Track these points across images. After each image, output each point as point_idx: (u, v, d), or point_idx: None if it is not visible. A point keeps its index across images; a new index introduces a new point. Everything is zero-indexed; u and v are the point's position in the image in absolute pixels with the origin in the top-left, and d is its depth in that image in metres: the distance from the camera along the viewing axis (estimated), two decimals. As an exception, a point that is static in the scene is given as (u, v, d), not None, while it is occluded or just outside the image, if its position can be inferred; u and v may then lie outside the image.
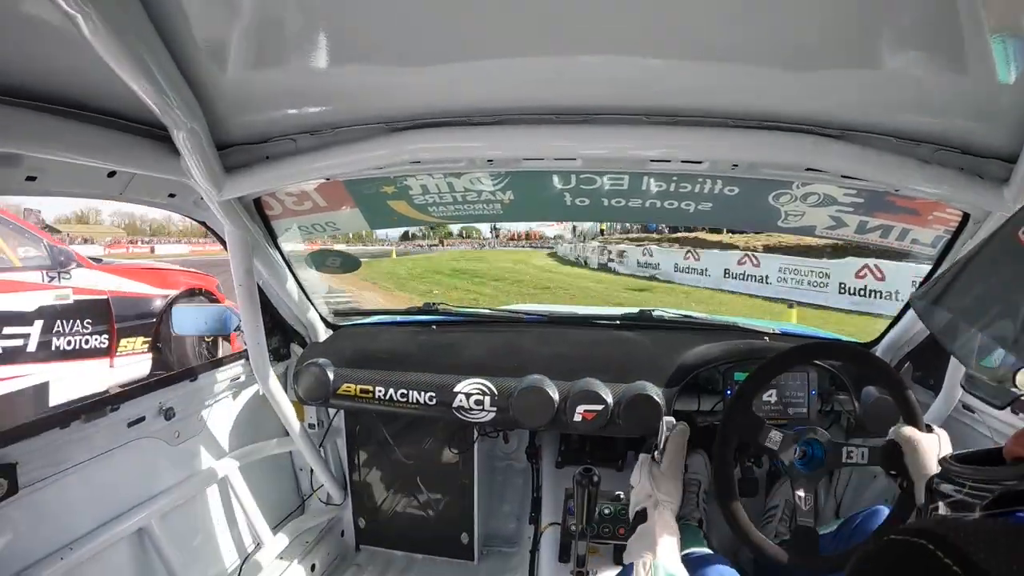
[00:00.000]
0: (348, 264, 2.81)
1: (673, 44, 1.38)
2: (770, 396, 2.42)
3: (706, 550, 1.90)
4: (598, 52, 1.43)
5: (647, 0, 1.21)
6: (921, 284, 2.35)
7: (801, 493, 1.80)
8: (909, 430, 1.70)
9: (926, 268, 2.35)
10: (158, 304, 6.94)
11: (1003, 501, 0.72)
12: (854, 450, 1.79)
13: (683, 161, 1.91)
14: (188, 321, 2.70)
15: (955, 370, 2.20)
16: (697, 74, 1.53)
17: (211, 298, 7.53)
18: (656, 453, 1.78)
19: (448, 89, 1.67)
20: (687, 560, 1.69)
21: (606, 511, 2.48)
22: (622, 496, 2.39)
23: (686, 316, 3.06)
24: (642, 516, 1.61)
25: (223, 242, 2.25)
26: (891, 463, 1.75)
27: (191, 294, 7.39)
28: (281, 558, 2.89)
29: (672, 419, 1.80)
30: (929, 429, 1.72)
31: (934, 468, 1.58)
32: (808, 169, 1.84)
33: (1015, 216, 0.75)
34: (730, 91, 1.62)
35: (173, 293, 7.16)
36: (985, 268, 0.82)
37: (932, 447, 1.65)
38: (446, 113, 1.79)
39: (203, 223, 2.31)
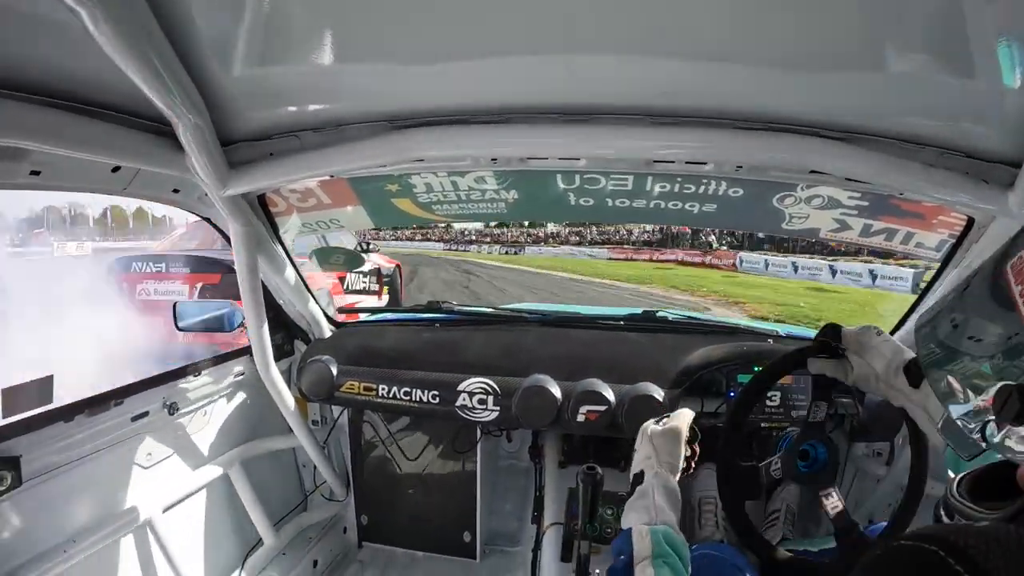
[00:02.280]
0: (352, 261, 2.81)
1: (679, 45, 1.39)
2: (773, 398, 2.42)
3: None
4: (604, 52, 1.44)
5: (654, 0, 1.21)
6: (924, 293, 2.34)
7: (824, 491, 1.78)
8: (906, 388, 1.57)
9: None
10: (388, 268, 12.46)
11: None
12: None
13: (687, 162, 1.91)
14: (192, 316, 2.71)
15: None
16: (702, 75, 1.54)
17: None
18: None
19: (452, 87, 1.68)
20: (695, 553, 1.66)
21: (608, 512, 2.48)
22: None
23: (690, 318, 3.06)
24: (640, 478, 1.55)
25: (227, 238, 2.25)
26: (879, 424, 1.75)
27: (398, 267, 13.19)
28: (283, 554, 2.90)
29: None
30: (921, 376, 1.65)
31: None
32: (813, 171, 1.84)
33: (1005, 249, 0.74)
34: (735, 93, 1.62)
35: (392, 266, 12.79)
36: (967, 302, 0.81)
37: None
38: (450, 111, 1.79)
39: (207, 219, 2.32)
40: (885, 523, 1.94)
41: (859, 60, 1.40)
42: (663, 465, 1.55)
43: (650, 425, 1.68)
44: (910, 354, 1.50)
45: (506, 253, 46.13)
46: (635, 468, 1.60)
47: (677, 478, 1.57)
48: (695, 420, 1.69)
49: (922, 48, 1.33)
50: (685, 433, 1.64)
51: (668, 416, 1.71)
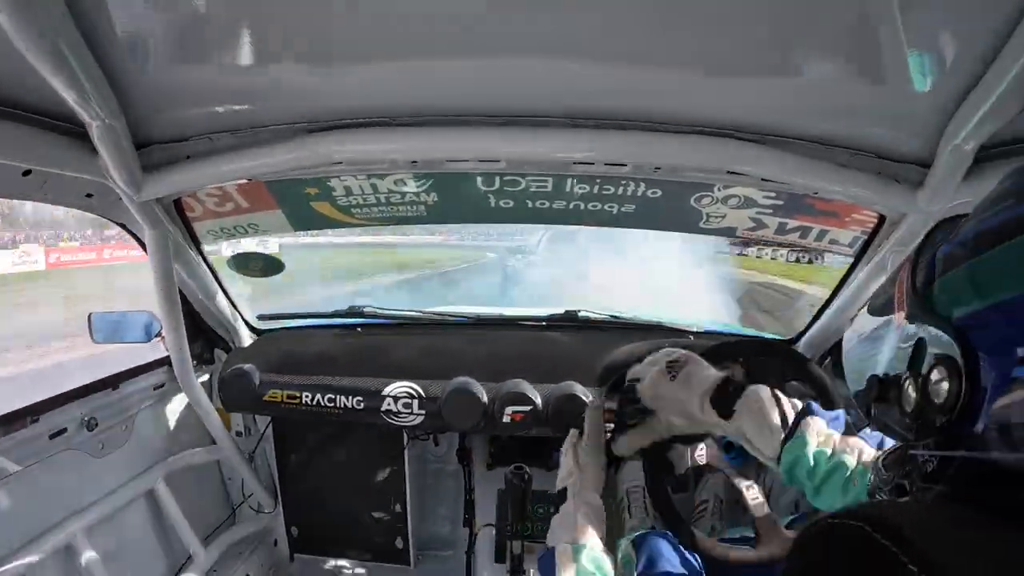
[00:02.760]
0: (271, 267, 2.77)
1: (597, 48, 1.41)
2: None
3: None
4: (522, 54, 1.46)
5: (571, 3, 1.24)
6: (838, 288, 2.45)
7: (745, 483, 1.81)
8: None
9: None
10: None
11: (932, 478, 0.76)
12: None
13: (606, 164, 1.94)
14: (108, 328, 2.63)
15: None
16: (621, 78, 1.56)
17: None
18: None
19: (371, 90, 1.68)
20: (636, 539, 1.69)
21: (540, 510, 2.51)
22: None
23: (612, 316, 3.11)
24: (563, 495, 1.57)
25: (143, 245, 2.20)
26: None
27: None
28: (214, 571, 2.84)
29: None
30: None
31: None
32: (729, 172, 1.88)
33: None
34: (653, 95, 1.66)
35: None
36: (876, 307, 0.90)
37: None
38: (369, 114, 1.79)
39: (122, 225, 2.25)
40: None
41: (773, 65, 1.44)
42: (585, 482, 1.57)
43: (575, 437, 1.71)
44: (713, 379, 1.52)
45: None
46: (559, 484, 1.62)
47: (600, 489, 1.59)
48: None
49: (835, 54, 1.39)
50: (602, 441, 1.69)
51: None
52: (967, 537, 0.55)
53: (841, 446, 1.32)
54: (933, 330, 0.69)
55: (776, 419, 1.42)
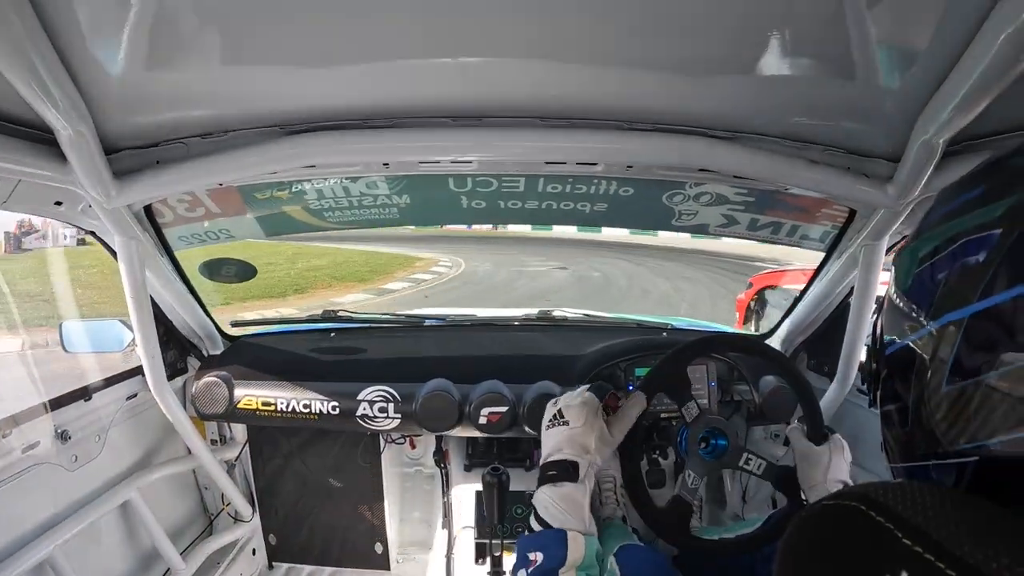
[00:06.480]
0: (243, 273, 2.75)
1: (568, 48, 1.42)
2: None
3: (636, 541, 1.91)
4: (493, 54, 1.46)
5: (542, 4, 1.24)
6: (809, 283, 2.49)
7: (691, 473, 1.81)
8: (804, 444, 1.79)
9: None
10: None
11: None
12: (752, 459, 1.81)
13: (578, 163, 1.95)
14: (78, 337, 2.59)
15: (848, 357, 2.32)
16: (591, 78, 1.57)
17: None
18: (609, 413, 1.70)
19: (342, 91, 1.67)
20: (619, 552, 1.70)
21: (518, 511, 2.51)
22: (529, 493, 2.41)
23: (586, 315, 3.14)
24: (570, 472, 1.49)
25: (113, 252, 2.17)
26: (781, 484, 1.80)
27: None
28: None
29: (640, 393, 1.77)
30: (824, 437, 1.78)
31: (821, 480, 1.68)
32: (701, 170, 1.90)
33: None
34: (624, 94, 1.67)
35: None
36: None
37: (821, 460, 1.72)
38: (341, 116, 1.78)
39: (92, 232, 2.21)
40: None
41: (742, 63, 1.46)
42: (591, 470, 1.54)
43: (598, 411, 1.64)
44: None
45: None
46: (559, 449, 1.55)
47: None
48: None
49: (804, 51, 1.40)
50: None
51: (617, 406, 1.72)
52: (961, 513, 0.57)
53: None
54: None
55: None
